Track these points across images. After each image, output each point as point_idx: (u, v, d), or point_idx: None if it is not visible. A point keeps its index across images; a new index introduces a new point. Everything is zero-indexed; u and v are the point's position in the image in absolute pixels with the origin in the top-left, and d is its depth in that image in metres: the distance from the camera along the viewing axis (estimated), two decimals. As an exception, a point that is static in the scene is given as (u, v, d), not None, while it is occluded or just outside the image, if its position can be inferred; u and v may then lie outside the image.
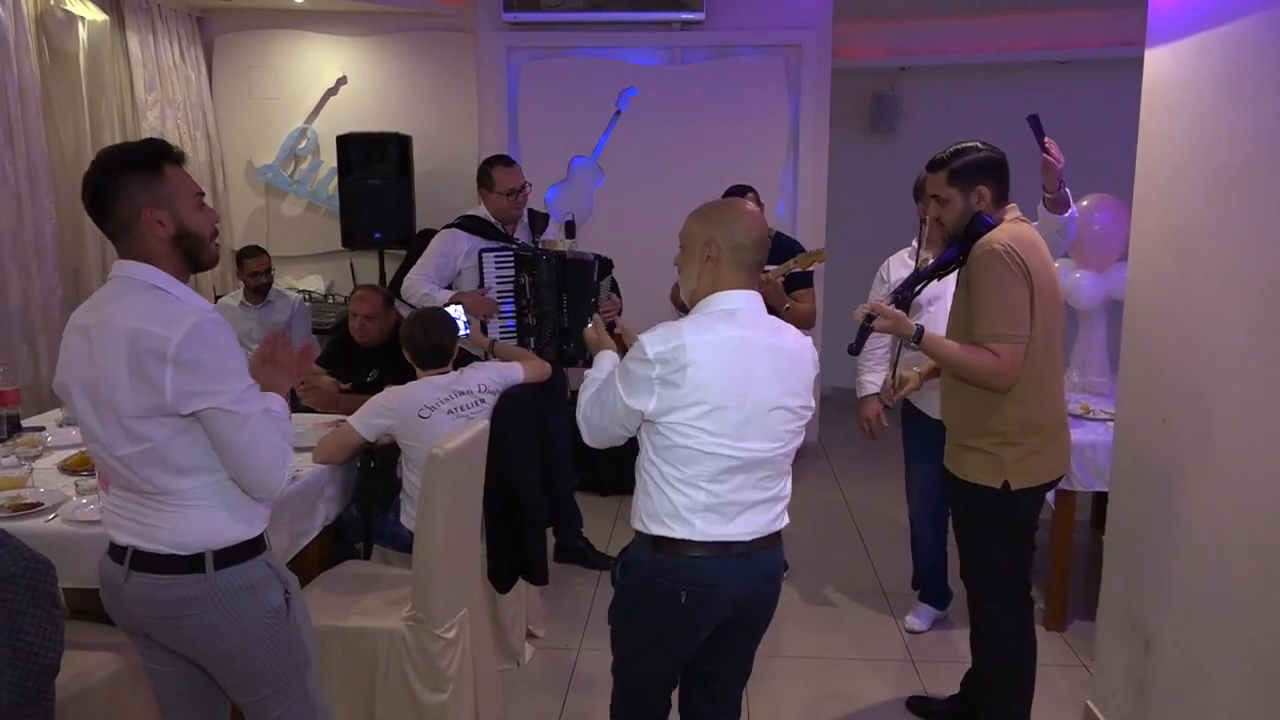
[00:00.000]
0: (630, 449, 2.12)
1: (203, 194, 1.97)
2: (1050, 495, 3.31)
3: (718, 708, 2.29)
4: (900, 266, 3.59)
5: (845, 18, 5.86)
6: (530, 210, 4.19)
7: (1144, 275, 2.76)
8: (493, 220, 4.04)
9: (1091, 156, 5.04)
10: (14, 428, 3.38)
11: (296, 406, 3.69)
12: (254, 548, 1.95)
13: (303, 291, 5.83)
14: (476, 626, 2.89)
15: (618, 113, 5.84)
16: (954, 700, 3.10)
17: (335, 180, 5.96)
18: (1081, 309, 4.26)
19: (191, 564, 1.87)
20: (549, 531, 3.88)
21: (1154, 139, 2.70)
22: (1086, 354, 4.31)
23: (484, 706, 2.91)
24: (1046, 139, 2.85)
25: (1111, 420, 3.35)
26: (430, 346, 3.16)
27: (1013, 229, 2.51)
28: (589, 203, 5.91)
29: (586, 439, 2.14)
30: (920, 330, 2.59)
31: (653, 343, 1.96)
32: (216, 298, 5.62)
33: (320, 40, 6.20)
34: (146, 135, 5.40)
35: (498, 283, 3.97)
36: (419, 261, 4.06)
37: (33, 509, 2.61)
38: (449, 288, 3.99)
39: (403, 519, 3.14)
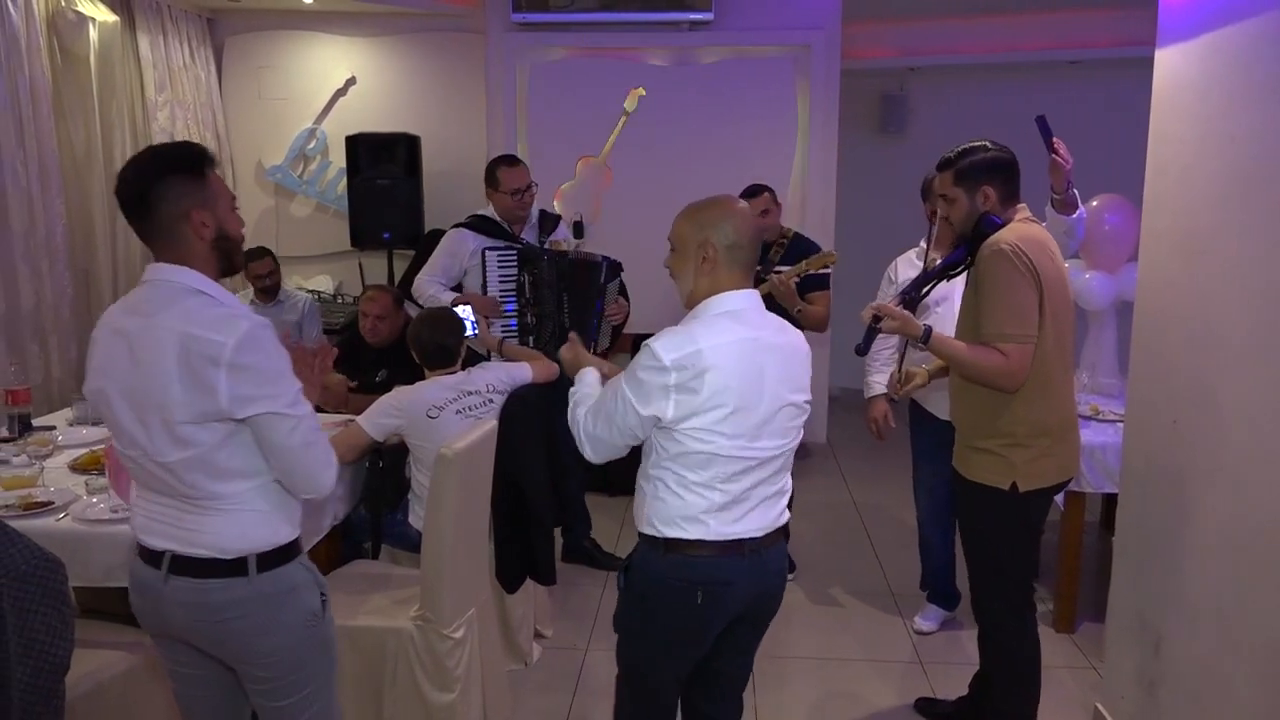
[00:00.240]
0: (639, 449, 2.11)
1: (235, 198, 1.99)
2: (1059, 497, 3.30)
3: (724, 705, 2.29)
4: (908, 267, 3.59)
5: (854, 18, 5.85)
6: (542, 211, 4.20)
7: (1154, 276, 2.75)
8: (500, 220, 4.05)
9: (1101, 157, 5.03)
10: (25, 427, 3.40)
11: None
12: (293, 550, 1.96)
13: (312, 292, 5.84)
14: (484, 626, 2.89)
15: (626, 113, 5.84)
16: (962, 702, 3.09)
17: (344, 180, 5.97)
18: (1091, 310, 4.25)
19: (234, 567, 1.87)
20: (556, 532, 3.89)
21: (1164, 139, 2.69)
22: (1096, 355, 4.30)
23: (492, 706, 2.91)
24: (1055, 139, 2.84)
25: (1121, 421, 3.34)
26: (435, 347, 3.17)
27: (1021, 229, 2.50)
28: (597, 204, 5.92)
29: (590, 455, 2.11)
30: (928, 330, 2.59)
31: (667, 349, 1.94)
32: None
33: (330, 41, 6.22)
34: (157, 136, 5.43)
35: (500, 282, 3.98)
36: (428, 262, 4.09)
37: (43, 508, 2.62)
38: (457, 288, 4.01)
39: (411, 519, 3.14)
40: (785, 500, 2.14)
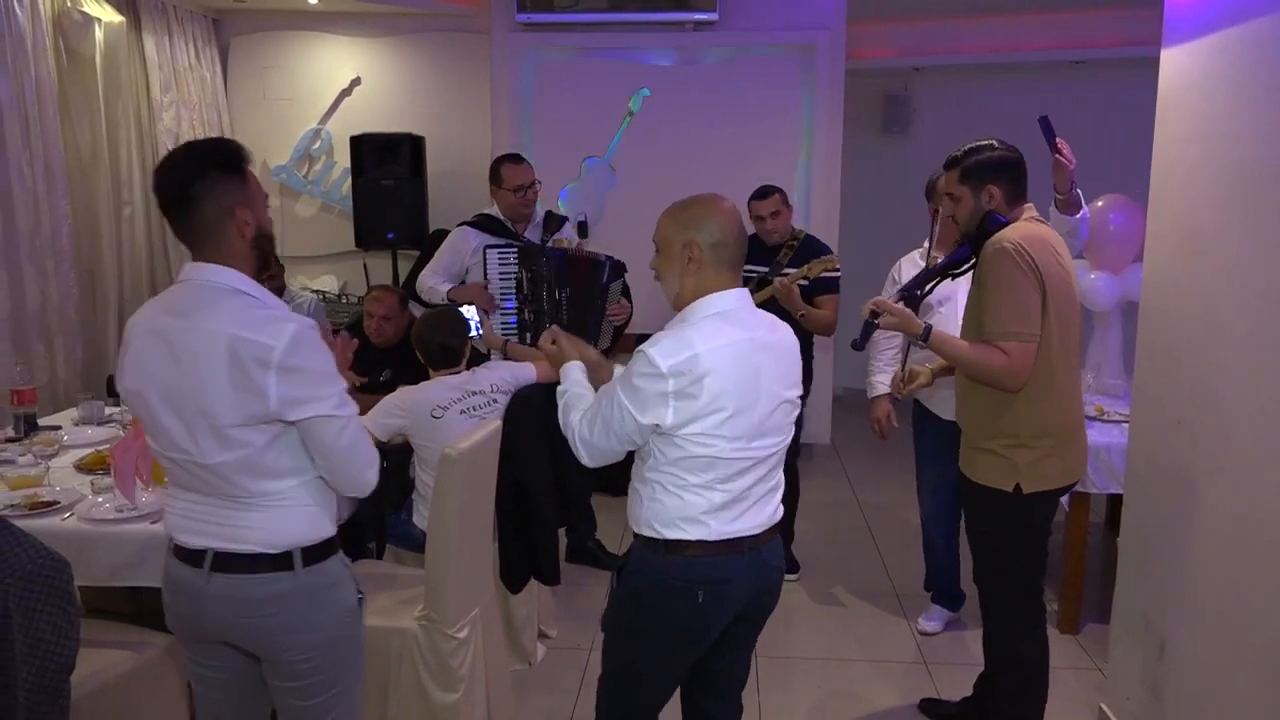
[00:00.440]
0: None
1: (268, 196, 1.98)
2: (1064, 498, 3.29)
3: (725, 704, 2.28)
4: (912, 267, 3.58)
5: (859, 18, 5.84)
6: (548, 212, 4.22)
7: (1159, 276, 2.74)
8: (503, 219, 4.07)
9: (1106, 157, 5.03)
10: (31, 426, 3.41)
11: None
12: (334, 545, 1.97)
13: (317, 292, 5.85)
14: (488, 626, 2.89)
15: (630, 113, 5.84)
16: (966, 703, 3.09)
17: (349, 181, 5.98)
18: (1096, 310, 4.24)
19: (279, 562, 1.88)
20: (560, 532, 3.89)
21: (1170, 139, 2.68)
22: (1101, 355, 4.29)
23: (496, 706, 2.91)
24: (1058, 140, 2.84)
25: (1126, 422, 3.33)
26: (439, 347, 3.18)
27: (1025, 228, 2.49)
28: (602, 203, 5.92)
29: (586, 461, 2.08)
30: (928, 328, 2.58)
31: (663, 355, 1.91)
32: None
33: (334, 41, 6.22)
34: (162, 136, 5.44)
35: (500, 278, 3.99)
36: (432, 259, 4.16)
37: (49, 507, 2.63)
38: (462, 284, 4.03)
39: (415, 519, 3.15)
40: (779, 495, 2.13)
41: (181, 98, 5.63)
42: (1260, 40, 2.23)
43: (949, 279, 2.78)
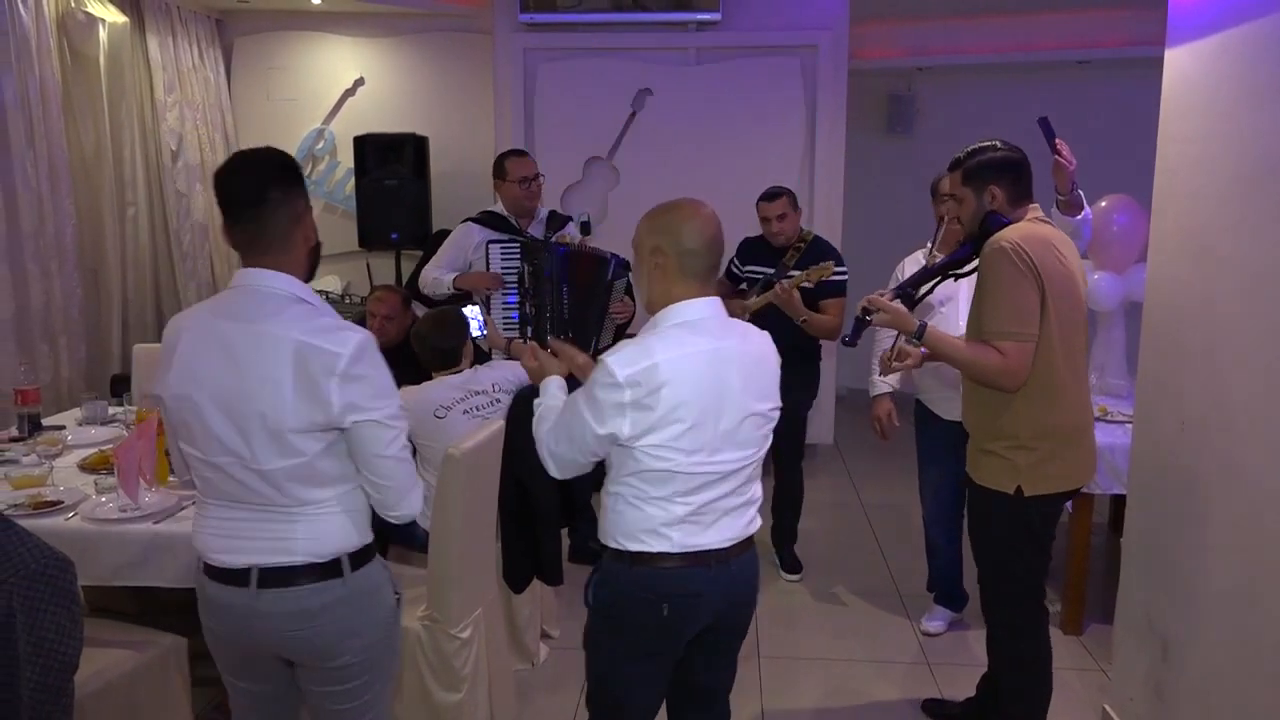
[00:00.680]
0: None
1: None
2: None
3: (711, 715, 2.25)
4: (915, 267, 3.57)
5: (862, 18, 5.84)
6: (551, 211, 4.24)
7: (1163, 276, 2.74)
8: (507, 215, 4.08)
9: (1110, 157, 5.02)
10: (35, 426, 3.42)
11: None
12: (373, 549, 1.98)
13: (320, 291, 5.84)
14: (491, 626, 2.89)
15: (633, 113, 5.84)
16: (969, 703, 3.08)
17: (352, 181, 5.99)
18: (1100, 310, 4.23)
19: (329, 570, 1.88)
20: (563, 532, 3.89)
21: (1174, 139, 2.68)
22: (1105, 356, 4.29)
23: (499, 706, 2.91)
24: (1058, 140, 2.83)
25: (1130, 423, 3.33)
26: (434, 350, 3.18)
27: (1026, 228, 2.49)
28: (604, 203, 5.92)
29: (554, 472, 2.05)
30: (923, 326, 2.58)
31: (621, 365, 1.86)
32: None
33: (338, 42, 6.23)
34: (166, 137, 5.45)
35: (502, 273, 4.00)
36: (436, 254, 4.19)
37: (52, 507, 2.63)
38: None
39: (418, 519, 3.14)
40: (754, 509, 2.07)
41: (185, 98, 5.64)
42: (1264, 40, 2.23)
43: (950, 279, 2.78)
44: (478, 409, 3.08)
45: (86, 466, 3.01)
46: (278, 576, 1.85)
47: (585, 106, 5.81)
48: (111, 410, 3.63)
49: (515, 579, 3.19)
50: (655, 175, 5.78)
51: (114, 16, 5.01)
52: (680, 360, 1.88)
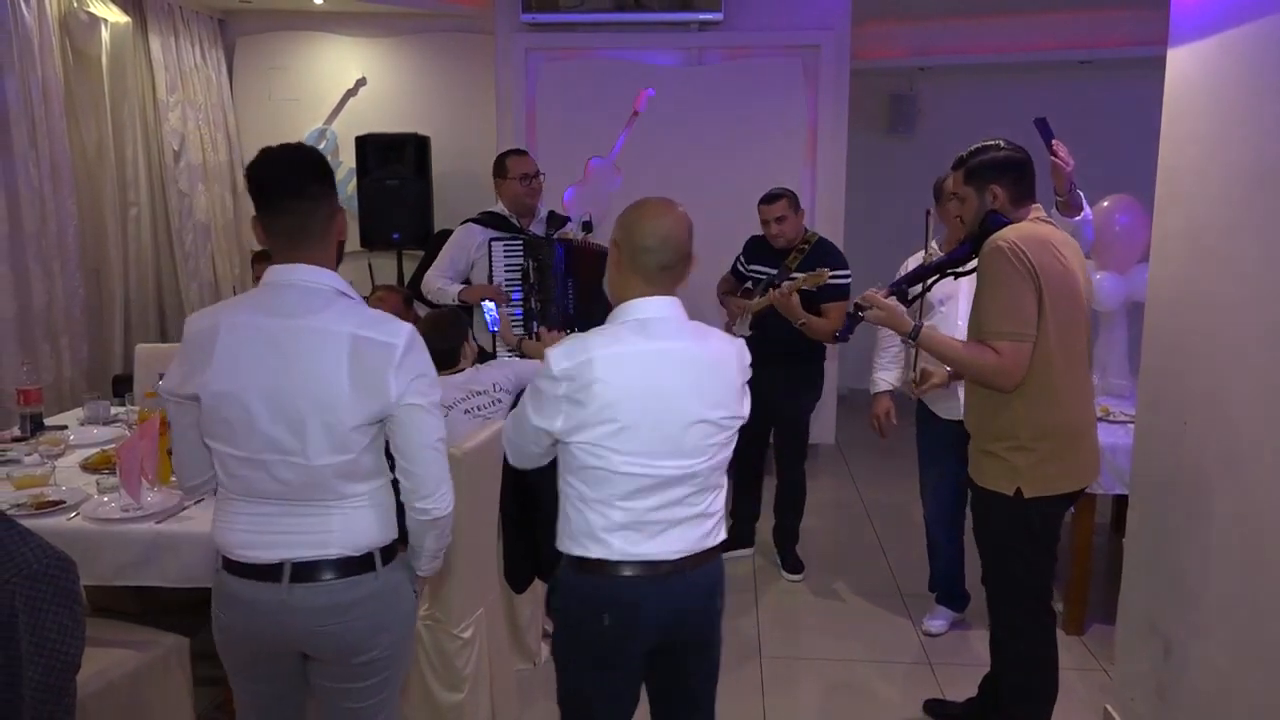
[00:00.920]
0: None
1: None
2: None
3: None
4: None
5: (864, 18, 5.84)
6: (551, 211, 4.24)
7: (1165, 276, 2.74)
8: (508, 214, 4.08)
9: (1113, 157, 5.02)
10: (37, 426, 3.42)
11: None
12: (397, 546, 1.98)
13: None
14: (493, 626, 2.90)
15: (635, 113, 5.84)
16: (971, 703, 3.08)
17: (354, 181, 5.99)
18: (1102, 310, 4.23)
19: (362, 564, 1.89)
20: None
21: (1176, 139, 2.68)
22: (1107, 356, 4.28)
23: (500, 706, 2.91)
24: (1054, 141, 2.83)
25: (1132, 423, 3.33)
26: (433, 350, 3.16)
27: (1025, 228, 2.48)
28: (606, 203, 5.92)
29: (511, 460, 2.04)
30: (917, 328, 2.57)
31: (559, 358, 1.86)
32: (236, 297, 5.65)
33: (339, 42, 6.23)
34: (168, 137, 5.45)
35: (506, 270, 4.02)
36: (438, 257, 4.17)
37: (55, 507, 2.63)
38: (466, 282, 4.04)
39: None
40: (712, 522, 1.99)
41: (187, 98, 5.65)
42: (1266, 39, 2.22)
43: (951, 278, 2.77)
44: (479, 409, 3.08)
45: (89, 466, 3.00)
46: (311, 570, 1.85)
47: (587, 106, 5.82)
48: (113, 410, 3.63)
49: (516, 579, 3.19)
50: (657, 175, 5.77)
51: (116, 16, 5.01)
52: (616, 358, 1.86)
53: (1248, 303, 2.28)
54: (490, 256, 4.01)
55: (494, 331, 3.78)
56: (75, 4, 4.77)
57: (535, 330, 3.97)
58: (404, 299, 4.13)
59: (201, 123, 5.78)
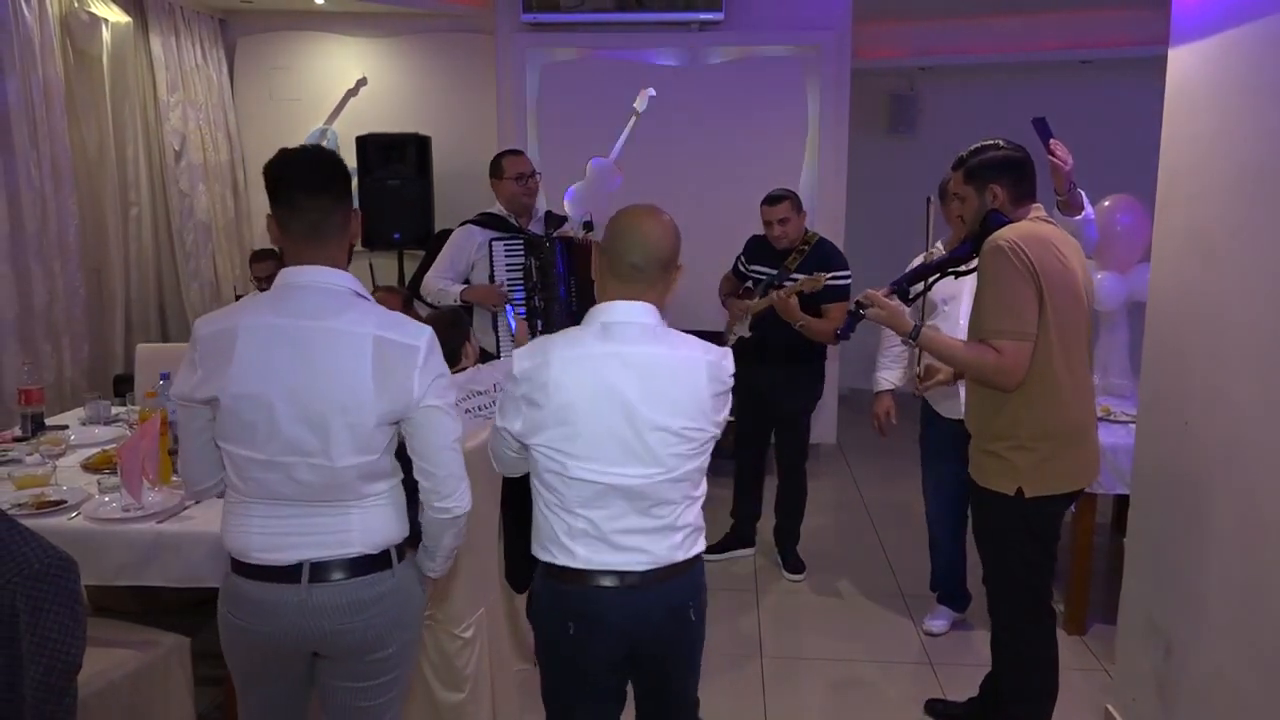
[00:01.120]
0: None
1: None
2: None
3: None
4: (922, 266, 3.58)
5: (865, 18, 5.84)
6: (548, 212, 4.24)
7: (1167, 276, 2.74)
8: (506, 214, 4.08)
9: (1113, 157, 5.01)
10: (38, 426, 3.42)
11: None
12: (407, 545, 2.00)
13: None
14: (494, 626, 2.90)
15: (636, 113, 5.84)
16: (973, 703, 3.08)
17: (355, 180, 5.98)
18: (1103, 310, 4.23)
19: (380, 561, 1.90)
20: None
21: (1177, 139, 2.68)
22: (1108, 356, 4.28)
23: (501, 706, 2.91)
24: (1052, 140, 2.83)
25: (1133, 422, 3.33)
26: None
27: (1025, 227, 2.48)
28: (606, 203, 5.92)
29: (496, 468, 2.05)
30: (918, 328, 2.58)
31: (520, 359, 1.88)
32: (237, 296, 5.66)
33: (340, 41, 6.23)
34: (169, 137, 5.46)
35: (507, 270, 4.02)
36: (436, 259, 4.16)
37: (56, 507, 2.63)
38: (465, 283, 4.04)
39: (421, 519, 3.14)
40: (682, 535, 1.93)
41: (188, 98, 5.65)
42: (1268, 39, 2.22)
43: (952, 277, 2.77)
44: (480, 409, 3.08)
45: (90, 466, 3.00)
46: (330, 570, 1.86)
47: (587, 106, 5.81)
48: (114, 410, 3.63)
49: (517, 579, 3.19)
50: (658, 175, 5.77)
51: (117, 16, 5.01)
52: (573, 361, 1.85)
53: (1249, 302, 2.28)
54: (491, 257, 4.01)
55: (514, 333, 3.82)
56: (76, 4, 4.77)
57: (539, 330, 3.97)
58: (404, 299, 4.13)
59: (202, 122, 5.78)
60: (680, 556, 1.93)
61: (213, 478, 1.96)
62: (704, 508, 2.02)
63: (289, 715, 2.05)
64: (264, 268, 4.91)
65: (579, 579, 1.90)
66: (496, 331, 4.01)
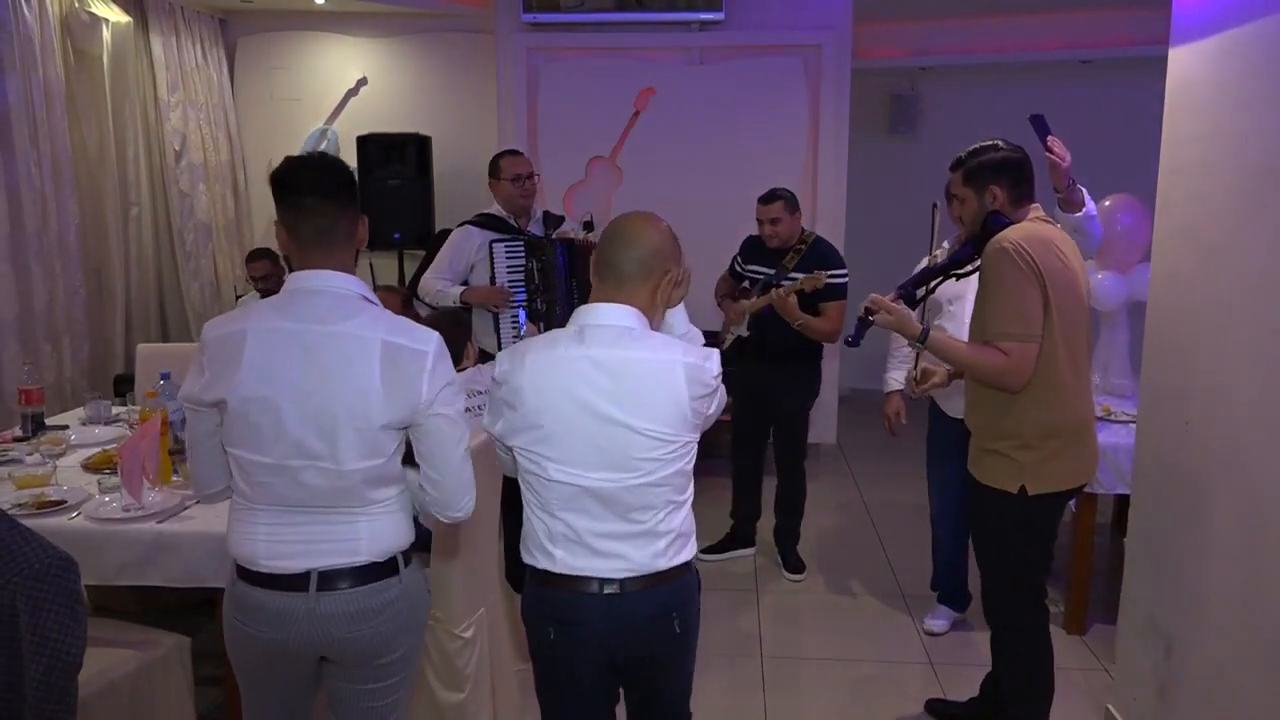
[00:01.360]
0: None
1: None
2: (1072, 500, 3.28)
3: None
4: (927, 268, 3.58)
5: (865, 18, 5.83)
6: (546, 212, 4.23)
7: (1167, 275, 2.74)
8: (504, 215, 4.08)
9: (1115, 156, 5.01)
10: (38, 426, 3.42)
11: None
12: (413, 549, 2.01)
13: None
14: (494, 626, 2.90)
15: (636, 113, 5.84)
16: (973, 703, 3.08)
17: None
18: (1103, 310, 4.23)
19: (388, 568, 1.90)
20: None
21: (1178, 138, 2.67)
22: (1108, 355, 4.28)
23: (502, 706, 2.91)
24: (1050, 137, 2.82)
25: (1133, 422, 3.32)
26: None
27: (1027, 228, 2.48)
28: (607, 203, 5.92)
29: (502, 468, 2.05)
30: (925, 331, 2.58)
31: (501, 360, 1.91)
32: (237, 297, 5.66)
33: (341, 41, 6.23)
34: (169, 137, 5.46)
35: (508, 272, 4.01)
36: (434, 260, 4.14)
37: (56, 507, 2.64)
38: (465, 284, 4.03)
39: (421, 518, 3.14)
40: (665, 542, 1.88)
41: (188, 98, 5.65)
42: (1268, 39, 2.22)
43: (954, 279, 2.77)
44: (479, 409, 3.09)
45: (90, 466, 3.00)
46: (338, 578, 1.86)
47: (588, 106, 5.81)
48: (115, 410, 3.63)
49: (518, 578, 3.18)
50: (658, 175, 5.78)
51: (117, 16, 5.02)
52: (546, 363, 1.85)
53: (1250, 302, 2.28)
54: (491, 258, 4.00)
55: (524, 335, 3.82)
56: (76, 4, 4.78)
57: (542, 329, 3.97)
58: (403, 299, 4.13)
59: (203, 122, 5.78)
60: (663, 565, 1.89)
61: (221, 482, 1.95)
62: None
63: (294, 715, 2.05)
64: (259, 267, 4.91)
65: (560, 584, 1.90)
66: (498, 332, 4.00)
